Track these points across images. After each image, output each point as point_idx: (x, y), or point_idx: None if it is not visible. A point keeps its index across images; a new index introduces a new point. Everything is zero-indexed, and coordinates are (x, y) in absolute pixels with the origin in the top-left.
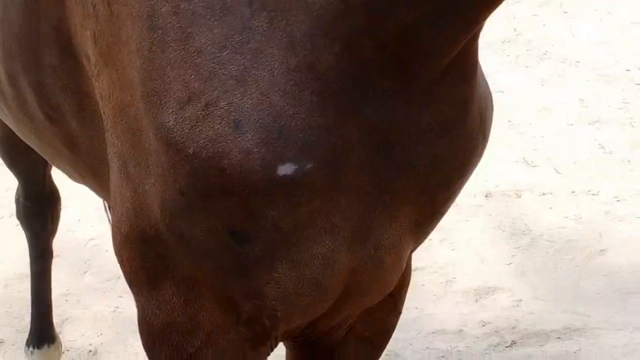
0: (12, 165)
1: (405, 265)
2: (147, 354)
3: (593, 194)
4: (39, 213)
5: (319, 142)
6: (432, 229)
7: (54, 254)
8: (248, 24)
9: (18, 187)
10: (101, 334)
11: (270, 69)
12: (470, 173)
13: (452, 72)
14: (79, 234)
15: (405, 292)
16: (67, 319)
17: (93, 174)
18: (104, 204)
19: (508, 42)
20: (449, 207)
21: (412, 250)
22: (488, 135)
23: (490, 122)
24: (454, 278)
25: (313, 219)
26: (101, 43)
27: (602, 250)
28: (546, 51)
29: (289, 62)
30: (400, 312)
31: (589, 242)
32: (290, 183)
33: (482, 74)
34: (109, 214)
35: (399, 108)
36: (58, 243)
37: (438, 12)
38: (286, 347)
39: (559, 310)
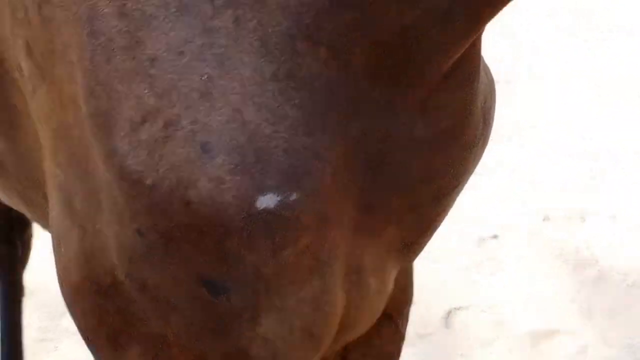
0: None
1: (391, 289)
2: None
3: None
4: (5, 238)
5: (305, 168)
6: (423, 247)
7: (26, 291)
8: (210, 24)
9: None
10: None
11: (241, 79)
12: (467, 181)
13: (454, 74)
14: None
15: (408, 311)
16: None
17: (24, 202)
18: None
19: (567, 28)
20: (442, 220)
21: (407, 265)
22: (489, 135)
23: (493, 120)
24: (506, 319)
25: (299, 260)
26: (36, 53)
27: None
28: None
29: (264, 70)
30: (403, 336)
31: None
32: (272, 219)
33: (484, 63)
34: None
35: (390, 120)
36: (30, 278)
37: (444, 10)
38: None
39: (634, 358)
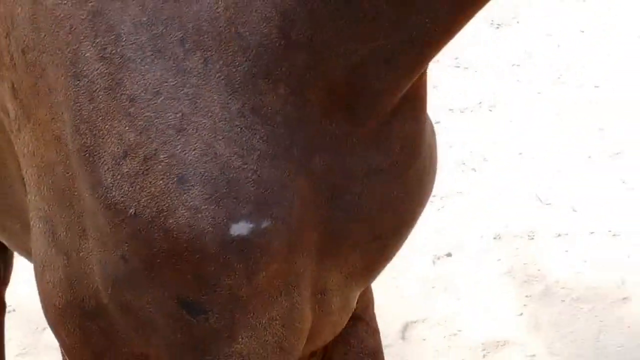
0: None
1: (354, 306)
2: None
3: (614, 235)
4: None
5: (275, 198)
6: (381, 271)
7: (8, 307)
8: (182, 65)
9: None
10: None
11: (211, 115)
12: (422, 213)
13: (403, 109)
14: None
15: (372, 310)
16: None
17: (1, 229)
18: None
19: (518, 65)
20: (400, 248)
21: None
22: (435, 174)
23: (437, 161)
24: (459, 331)
25: (271, 283)
26: (21, 95)
27: (624, 299)
28: (561, 75)
29: (231, 106)
30: (377, 330)
31: (610, 289)
32: (246, 245)
33: (429, 119)
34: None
35: (348, 152)
36: (12, 294)
37: (389, 50)
38: None
39: None
